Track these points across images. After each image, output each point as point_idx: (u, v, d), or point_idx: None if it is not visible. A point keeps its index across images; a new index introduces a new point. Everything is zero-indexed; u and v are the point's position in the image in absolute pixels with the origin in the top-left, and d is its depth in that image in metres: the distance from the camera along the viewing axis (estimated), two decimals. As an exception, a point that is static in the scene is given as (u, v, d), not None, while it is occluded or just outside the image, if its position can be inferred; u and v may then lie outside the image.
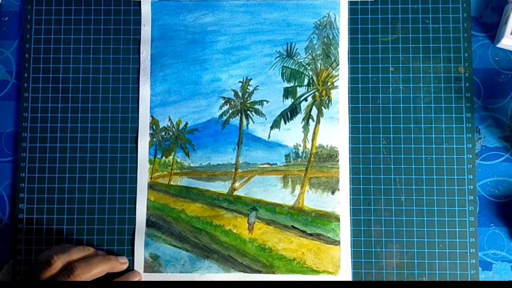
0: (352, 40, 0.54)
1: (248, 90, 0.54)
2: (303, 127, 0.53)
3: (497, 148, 0.53)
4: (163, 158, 0.53)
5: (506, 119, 0.53)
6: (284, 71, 0.54)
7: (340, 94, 0.53)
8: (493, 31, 0.54)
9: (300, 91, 0.53)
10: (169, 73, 0.54)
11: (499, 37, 0.52)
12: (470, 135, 0.52)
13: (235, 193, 0.52)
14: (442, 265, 0.51)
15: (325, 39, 0.54)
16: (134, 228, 0.52)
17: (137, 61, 0.54)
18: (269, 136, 0.53)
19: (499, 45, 0.53)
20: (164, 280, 0.51)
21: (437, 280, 0.50)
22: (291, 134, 0.53)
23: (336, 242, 0.51)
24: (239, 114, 0.53)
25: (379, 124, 0.53)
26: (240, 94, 0.53)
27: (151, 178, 0.53)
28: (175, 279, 0.51)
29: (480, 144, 0.53)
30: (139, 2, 0.54)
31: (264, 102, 0.53)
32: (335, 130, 0.53)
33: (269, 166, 0.53)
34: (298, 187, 0.52)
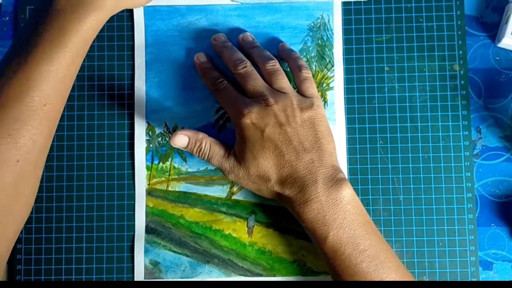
0: (346, 41, 0.54)
1: (243, 94, 0.53)
2: (299, 130, 0.53)
3: (498, 148, 0.53)
4: (160, 164, 0.53)
5: (507, 119, 0.53)
6: (279, 74, 0.53)
7: (336, 95, 0.53)
8: (494, 31, 0.54)
9: (296, 93, 0.53)
10: (164, 78, 0.54)
11: (500, 36, 0.52)
12: (466, 133, 0.52)
13: (234, 197, 0.52)
14: (442, 263, 0.51)
15: (319, 41, 0.54)
16: (134, 235, 0.52)
17: (132, 68, 0.54)
18: (266, 139, 0.53)
19: (499, 45, 0.53)
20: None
21: (438, 279, 0.51)
22: (288, 137, 0.53)
23: (336, 244, 0.51)
24: (236, 118, 0.53)
25: (376, 124, 0.53)
26: (235, 98, 0.53)
27: (149, 184, 0.53)
28: (176, 285, 0.51)
29: (480, 143, 0.53)
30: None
31: (260, 106, 0.53)
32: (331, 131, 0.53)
33: (266, 169, 0.52)
34: (296, 189, 0.52)
